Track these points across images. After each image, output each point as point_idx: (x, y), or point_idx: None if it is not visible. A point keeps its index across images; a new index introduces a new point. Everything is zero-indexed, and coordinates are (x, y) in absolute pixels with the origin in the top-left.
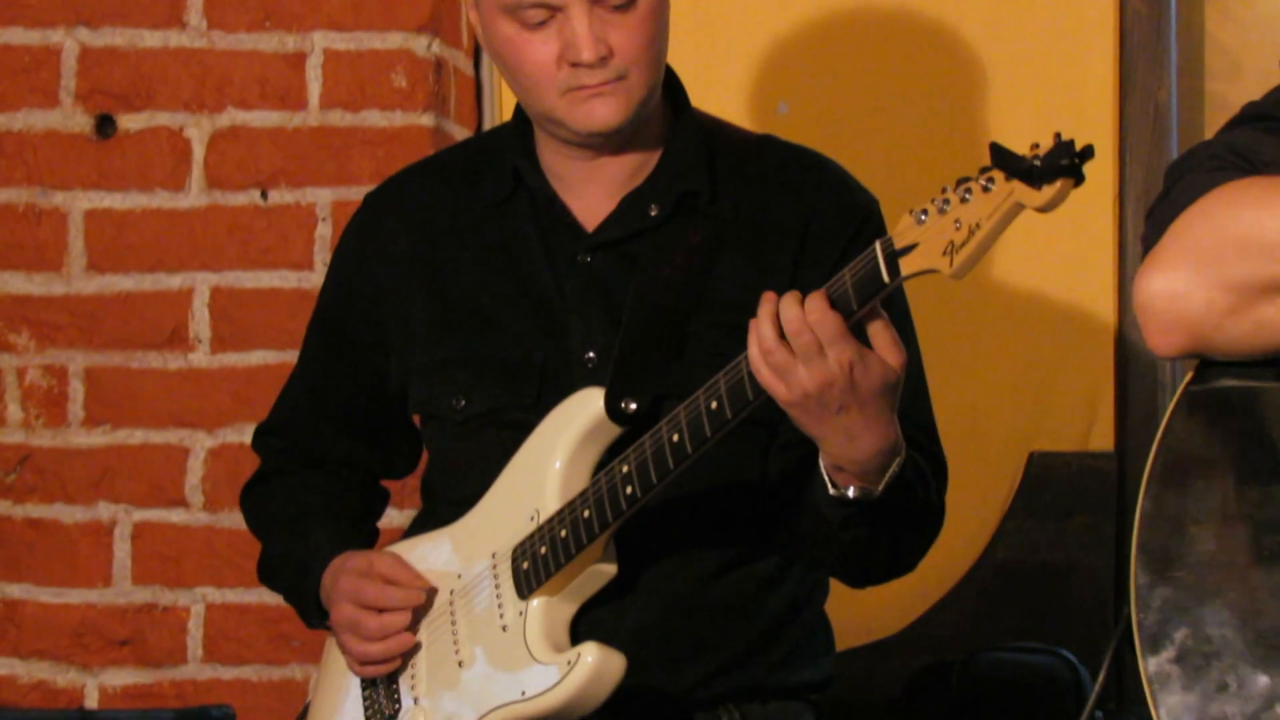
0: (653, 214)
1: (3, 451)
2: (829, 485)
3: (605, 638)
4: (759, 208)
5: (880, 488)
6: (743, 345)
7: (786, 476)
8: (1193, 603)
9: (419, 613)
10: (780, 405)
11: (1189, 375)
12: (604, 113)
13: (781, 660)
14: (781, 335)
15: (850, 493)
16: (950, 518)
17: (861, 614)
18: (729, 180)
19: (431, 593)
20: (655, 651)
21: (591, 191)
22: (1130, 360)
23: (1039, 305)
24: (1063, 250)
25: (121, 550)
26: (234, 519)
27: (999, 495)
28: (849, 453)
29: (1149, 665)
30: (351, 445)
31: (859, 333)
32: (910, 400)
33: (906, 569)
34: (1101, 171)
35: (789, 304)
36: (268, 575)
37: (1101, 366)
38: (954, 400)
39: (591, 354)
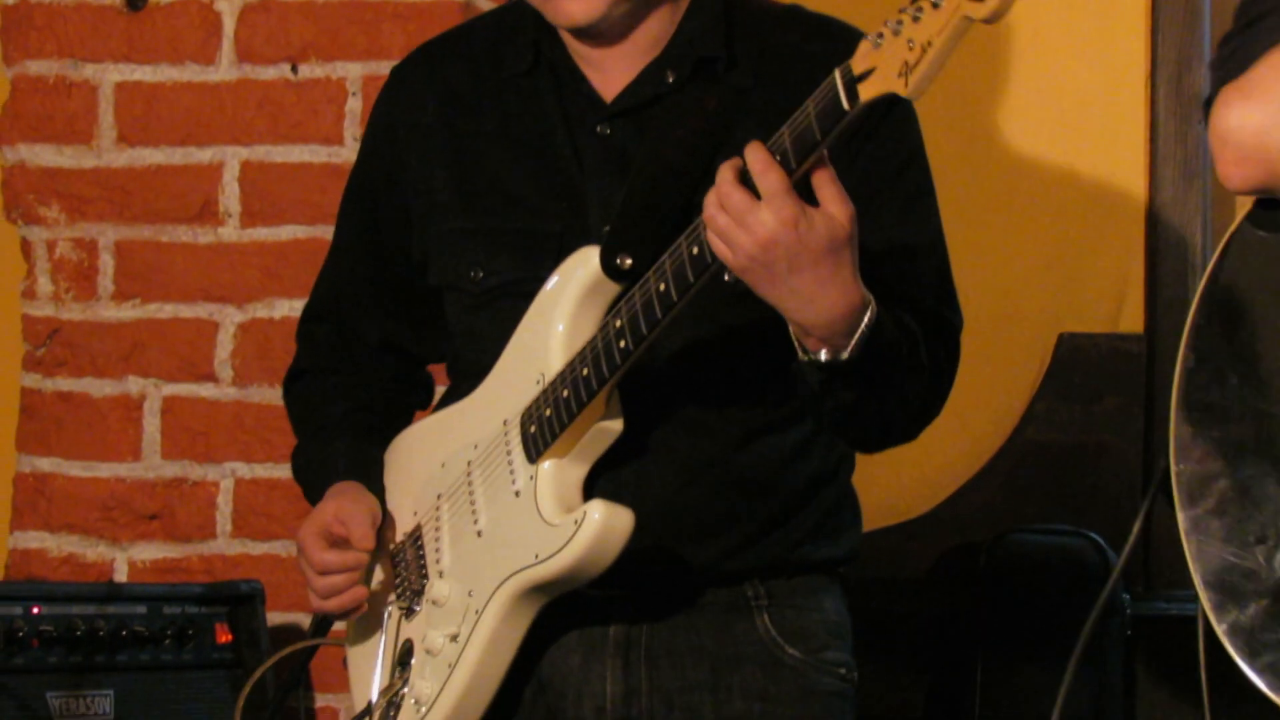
0: (669, 80)
1: (33, 325)
2: (799, 350)
3: (634, 512)
4: (778, 77)
5: (849, 350)
6: None
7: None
8: (1233, 454)
9: (395, 537)
10: (731, 270)
11: (1238, 218)
12: (572, 8)
13: (807, 534)
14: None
15: (821, 355)
16: (979, 399)
17: (889, 494)
18: (748, 48)
19: (379, 555)
20: (678, 524)
21: (612, 64)
22: (1161, 241)
23: (1070, 186)
24: (1094, 130)
25: (151, 425)
26: (263, 394)
27: (1028, 377)
28: (809, 316)
29: (1186, 517)
30: (392, 327)
31: (806, 190)
32: (923, 261)
33: (905, 435)
34: (1133, 51)
35: (723, 170)
36: (296, 476)
37: (1132, 248)
38: (984, 282)
39: (608, 227)
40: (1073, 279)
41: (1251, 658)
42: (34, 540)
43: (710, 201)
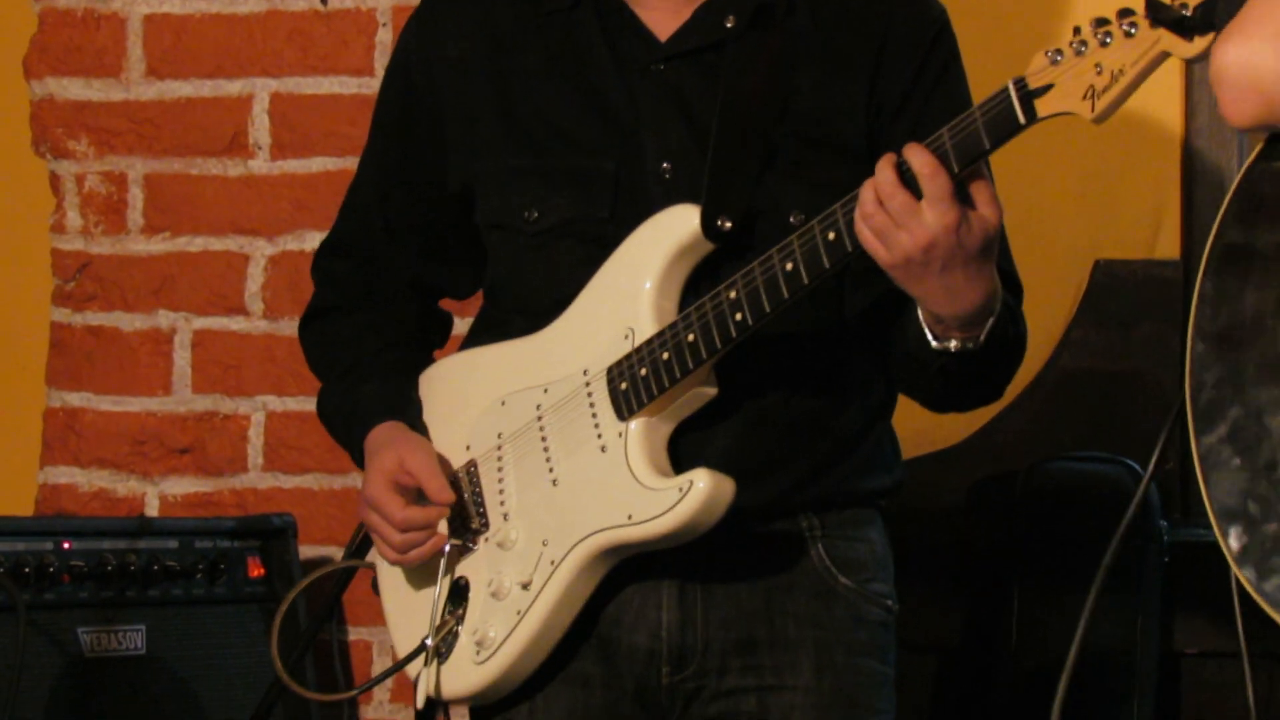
0: (729, 25)
1: (62, 259)
2: (930, 338)
3: (696, 456)
4: (834, 19)
5: (983, 337)
6: (825, 157)
7: (862, 306)
8: (1247, 381)
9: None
10: (881, 266)
11: (1254, 152)
12: None
13: (855, 469)
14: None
15: (952, 344)
16: None
17: (925, 423)
18: None
19: (482, 456)
20: (741, 468)
21: (660, 2)
22: (1197, 167)
23: None
24: None
25: (181, 358)
26: (294, 327)
27: (1064, 304)
28: (951, 309)
29: (1200, 443)
30: (423, 262)
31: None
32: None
33: (994, 399)
34: None
35: (883, 168)
36: (323, 418)
37: (1168, 173)
38: (1019, 208)
39: (667, 165)
40: (1108, 206)
41: (1261, 580)
42: (64, 475)
43: (867, 199)
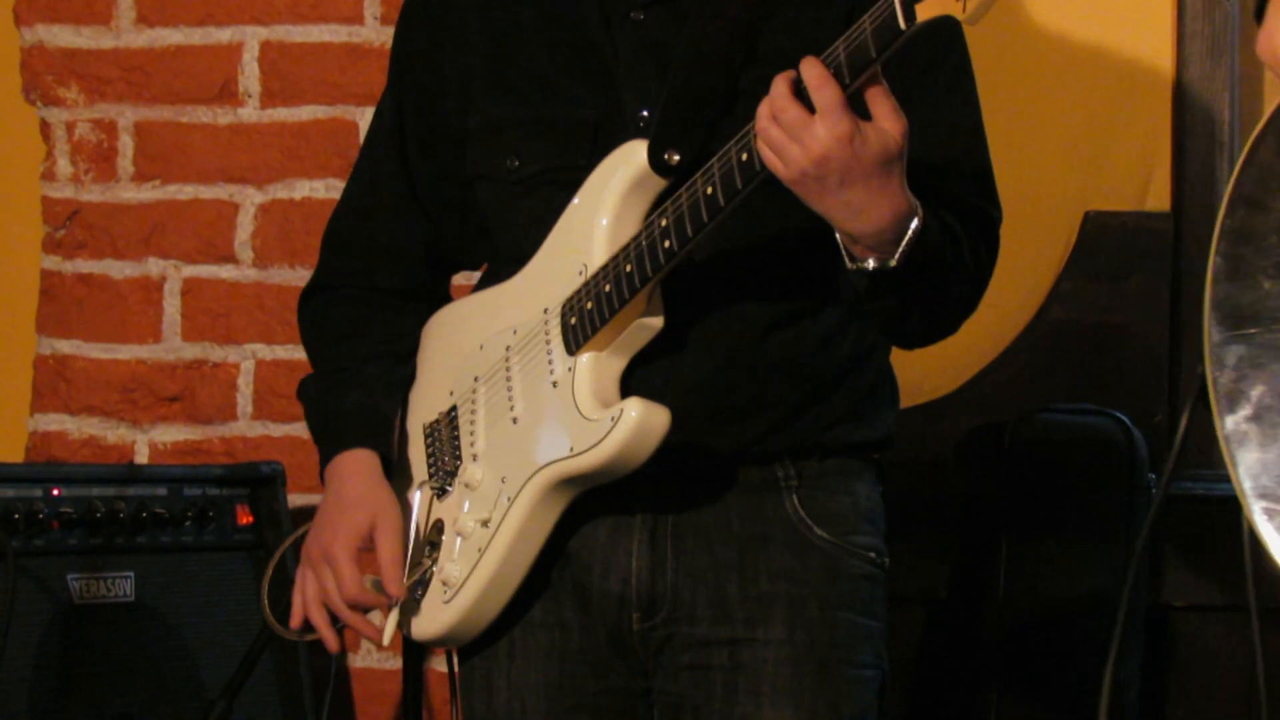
0: None
1: (52, 206)
2: (846, 259)
3: (655, 394)
4: None
5: (896, 258)
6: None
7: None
8: (1269, 359)
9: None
10: (783, 182)
11: (1262, 122)
12: None
13: (840, 417)
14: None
15: (869, 264)
16: (1004, 278)
17: (914, 373)
18: None
19: (462, 400)
20: (707, 407)
21: None
22: (1188, 118)
23: (1095, 60)
24: (1120, 4)
25: (171, 306)
26: (284, 275)
27: (1053, 255)
28: (857, 226)
29: (1226, 423)
30: (435, 228)
31: (859, 104)
32: (961, 153)
33: (947, 331)
34: None
35: (778, 83)
36: (302, 401)
37: (1158, 124)
38: (1008, 159)
39: (645, 113)
40: (1098, 157)
41: None
42: (54, 423)
43: (763, 113)
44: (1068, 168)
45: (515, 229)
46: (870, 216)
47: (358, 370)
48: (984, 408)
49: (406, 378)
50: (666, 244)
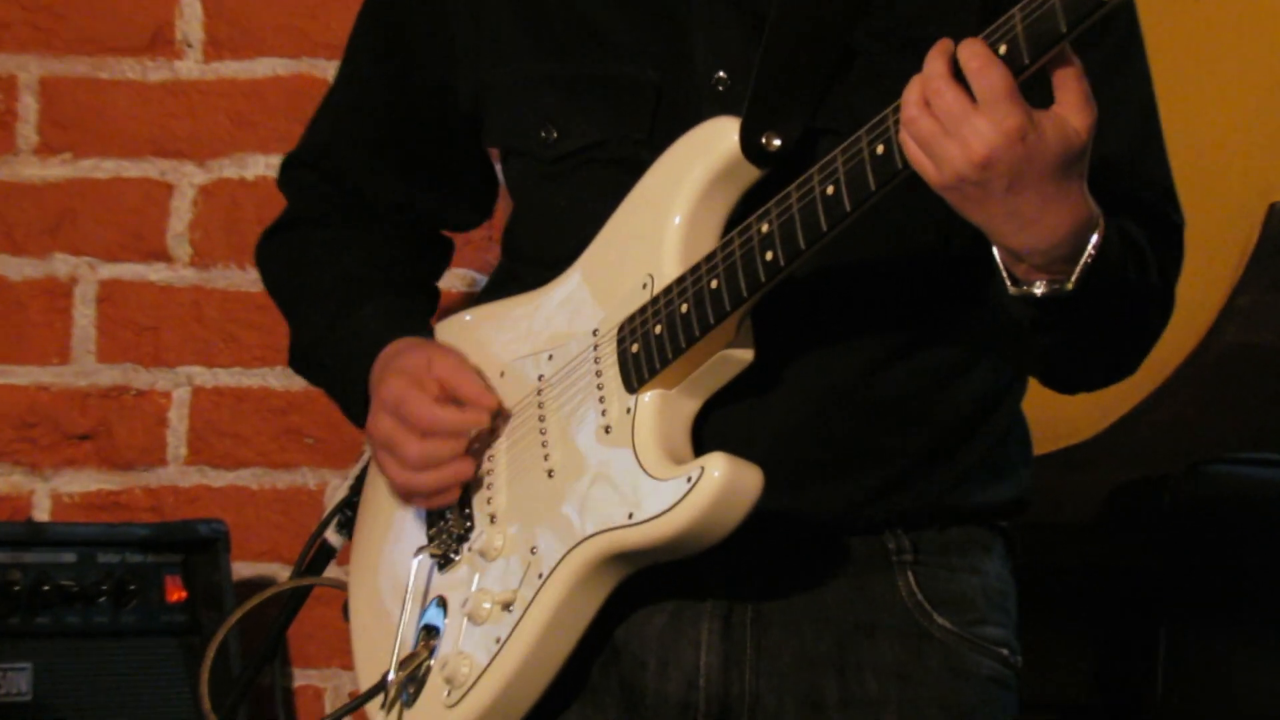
0: None
1: None
2: (1007, 281)
3: (738, 445)
4: None
5: (1073, 281)
6: (917, 63)
7: (979, 244)
8: None
9: (488, 428)
10: (933, 188)
11: None
12: None
13: (965, 473)
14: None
15: (1037, 289)
16: None
17: (1047, 411)
18: None
19: (505, 412)
20: (798, 462)
21: None
22: None
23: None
24: None
25: (84, 317)
26: (230, 277)
27: (1228, 262)
28: (1025, 241)
29: None
30: (409, 186)
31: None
32: (1139, 147)
33: (1126, 371)
34: None
35: (933, 58)
36: (300, 359)
37: None
38: (1177, 144)
39: (723, 73)
40: None
41: None
42: None
43: (911, 98)
44: (1247, 152)
45: (545, 219)
46: (1043, 228)
47: (365, 280)
48: (1138, 456)
49: (426, 287)
50: (769, 256)
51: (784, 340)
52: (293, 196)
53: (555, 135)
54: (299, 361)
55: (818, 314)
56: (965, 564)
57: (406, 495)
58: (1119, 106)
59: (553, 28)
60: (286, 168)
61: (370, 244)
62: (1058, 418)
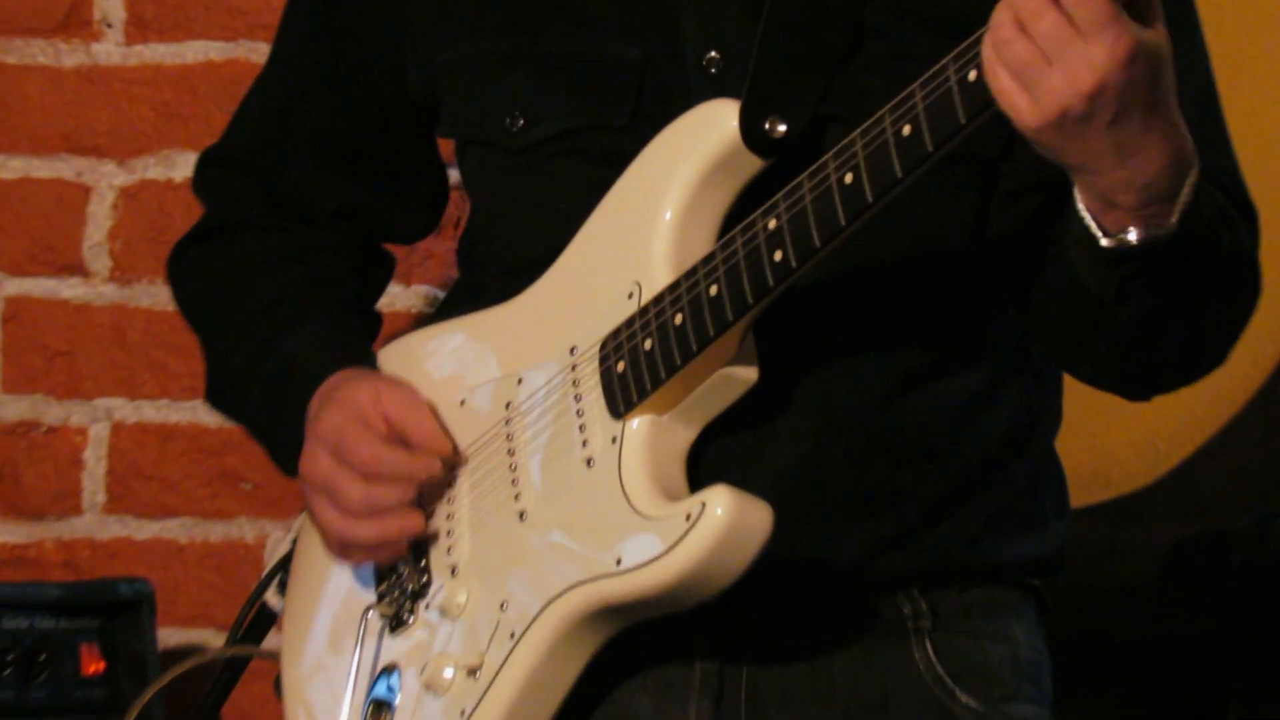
0: None
1: None
2: (1097, 234)
3: (738, 483)
4: None
5: (1175, 215)
6: (941, 44)
7: (1011, 241)
8: None
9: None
10: (1022, 129)
11: None
12: None
13: (989, 523)
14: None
15: (1131, 235)
16: None
17: (1092, 456)
18: None
19: (461, 454)
20: (806, 506)
21: None
22: None
23: None
24: None
25: None
26: (156, 295)
27: None
28: (1124, 176)
29: None
30: (351, 188)
31: None
32: (1197, 113)
33: (1217, 357)
34: None
35: None
36: (221, 393)
37: None
38: (1239, 124)
39: (714, 53)
40: None
41: None
42: None
43: (1006, 19)
44: None
45: (511, 219)
46: (1146, 160)
47: (302, 300)
48: (1198, 508)
49: (368, 309)
50: (777, 256)
51: (782, 364)
52: (212, 201)
53: (523, 122)
54: (218, 396)
55: (821, 333)
56: (991, 630)
57: (343, 547)
58: (1179, 73)
59: (520, 1)
60: (204, 166)
61: (303, 257)
62: (1105, 462)
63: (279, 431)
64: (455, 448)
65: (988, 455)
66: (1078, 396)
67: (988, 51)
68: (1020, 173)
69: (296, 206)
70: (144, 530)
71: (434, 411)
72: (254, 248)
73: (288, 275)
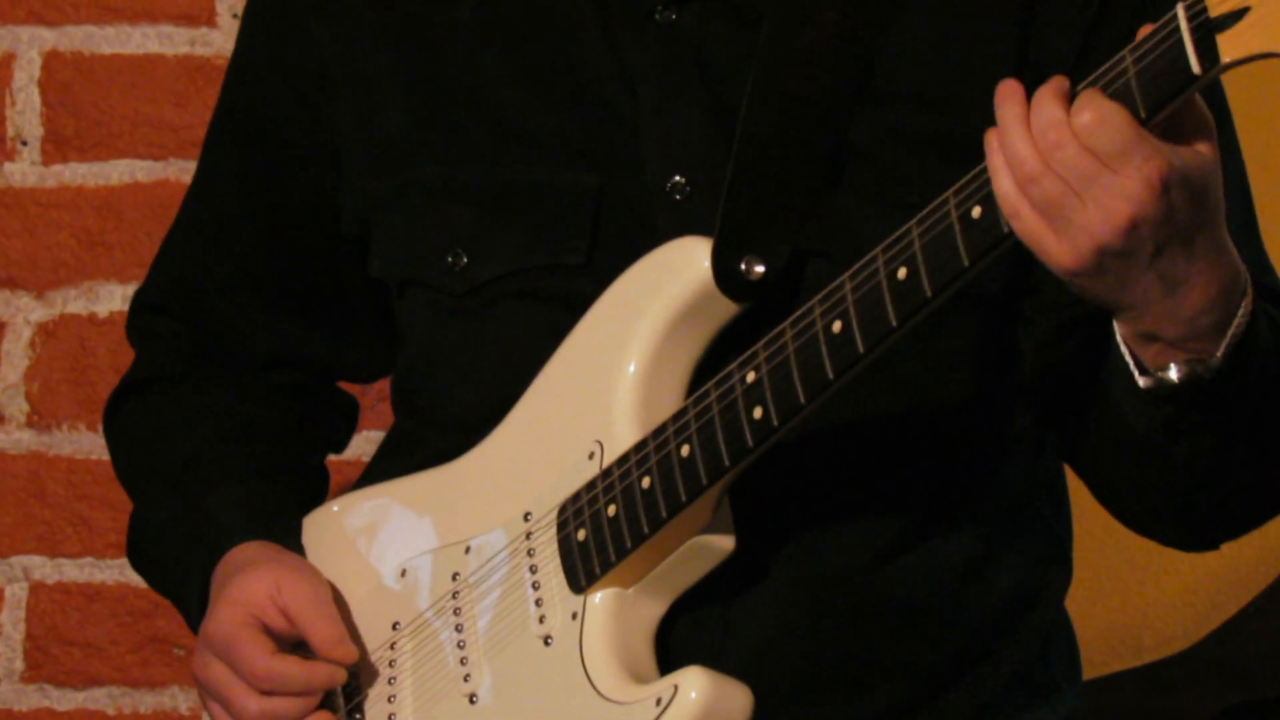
0: None
1: None
2: (1134, 373)
3: (712, 658)
4: None
5: (1221, 351)
6: (933, 164)
7: (1050, 384)
8: None
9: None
10: (1057, 272)
11: None
12: None
13: (995, 694)
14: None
15: (1172, 373)
16: None
17: (1120, 615)
18: None
19: (365, 661)
20: (790, 683)
21: None
22: None
23: None
24: None
25: None
26: (79, 442)
27: None
28: (1169, 309)
29: None
30: (282, 326)
31: None
32: (1238, 215)
33: None
34: None
35: (1046, 102)
36: (138, 555)
37: None
38: (1269, 178)
39: (679, 177)
40: None
41: None
42: None
43: (1028, 154)
44: None
45: (458, 371)
46: (1192, 289)
47: (221, 459)
48: (1241, 676)
49: (298, 465)
50: (757, 413)
51: (761, 527)
52: (142, 348)
53: (465, 260)
54: (134, 557)
55: (804, 492)
56: None
57: None
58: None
59: (459, 122)
60: (135, 313)
61: (233, 409)
62: (1136, 624)
63: (183, 599)
64: (359, 657)
65: (991, 619)
66: (1103, 549)
67: (1007, 187)
68: (1054, 311)
69: (227, 351)
70: (66, 700)
71: (370, 589)
72: (180, 399)
73: (204, 433)
